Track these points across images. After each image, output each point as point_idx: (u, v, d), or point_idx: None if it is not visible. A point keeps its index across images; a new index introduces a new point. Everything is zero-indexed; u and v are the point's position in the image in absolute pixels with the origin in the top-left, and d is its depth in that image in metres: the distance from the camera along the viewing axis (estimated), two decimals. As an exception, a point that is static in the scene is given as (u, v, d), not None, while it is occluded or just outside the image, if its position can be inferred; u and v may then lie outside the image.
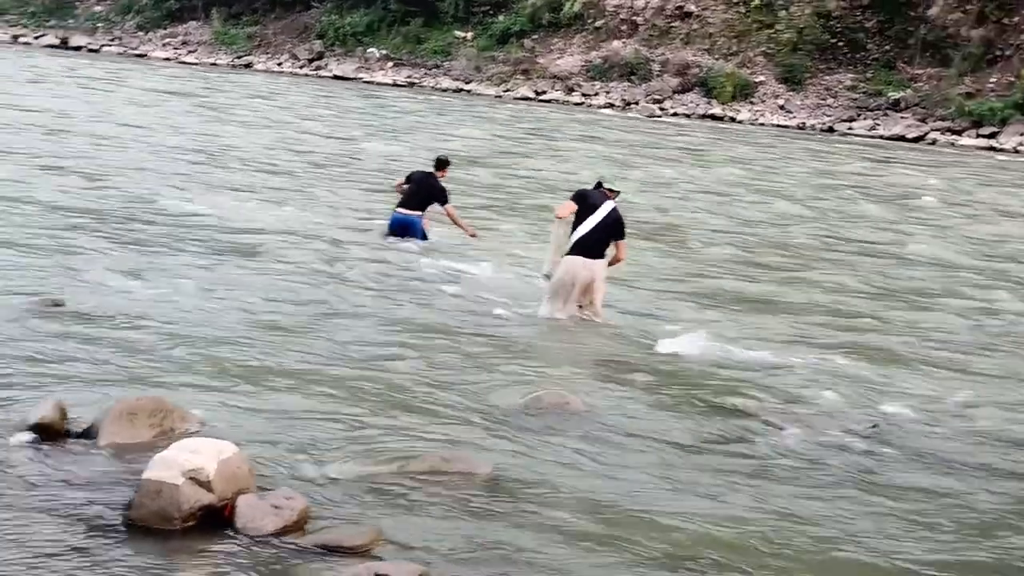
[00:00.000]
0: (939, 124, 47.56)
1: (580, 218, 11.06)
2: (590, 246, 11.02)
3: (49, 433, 6.58)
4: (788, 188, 25.49)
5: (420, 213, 14.76)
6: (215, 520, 5.61)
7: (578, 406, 8.14)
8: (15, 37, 67.97)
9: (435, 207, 14.84)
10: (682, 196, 22.83)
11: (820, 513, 6.60)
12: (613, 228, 11.10)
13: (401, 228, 14.71)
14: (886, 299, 13.91)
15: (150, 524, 5.54)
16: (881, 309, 13.19)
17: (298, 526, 5.64)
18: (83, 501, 5.81)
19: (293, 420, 7.32)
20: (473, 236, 14.75)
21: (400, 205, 14.86)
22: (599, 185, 11.39)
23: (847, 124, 49.00)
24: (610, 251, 11.27)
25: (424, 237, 14.70)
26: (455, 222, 14.85)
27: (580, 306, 11.06)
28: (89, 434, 6.68)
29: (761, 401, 8.81)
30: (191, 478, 5.61)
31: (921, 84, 50.73)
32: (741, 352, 10.41)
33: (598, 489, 6.67)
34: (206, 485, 5.64)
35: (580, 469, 7.00)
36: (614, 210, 11.14)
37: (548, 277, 11.25)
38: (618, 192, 11.48)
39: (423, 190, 14.76)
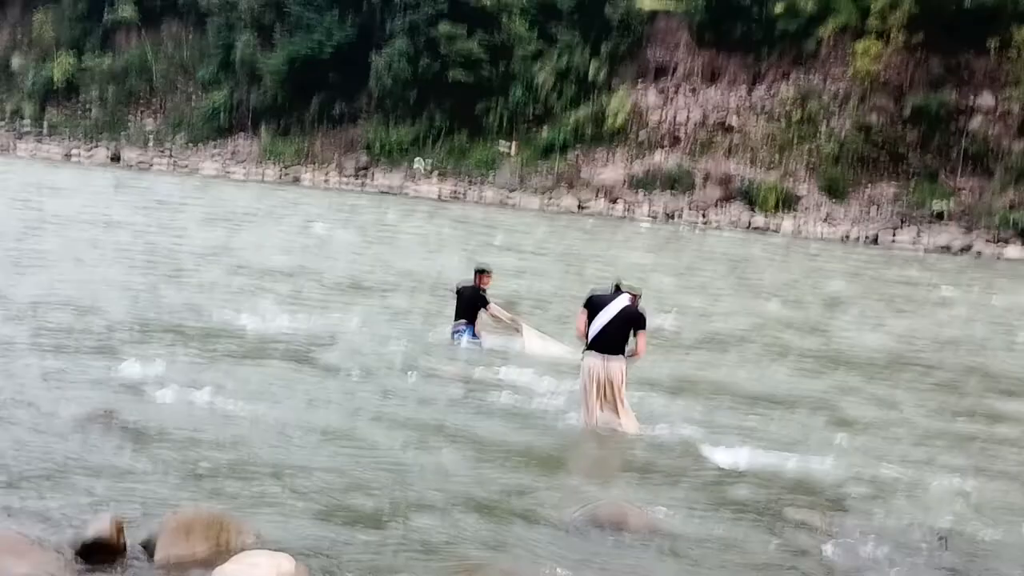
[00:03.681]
0: (984, 234, 47.41)
1: (591, 318, 11.10)
2: (604, 342, 11.02)
3: (106, 549, 6.51)
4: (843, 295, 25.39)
5: (465, 321, 15.42)
6: (275, 636, 5.51)
7: (637, 519, 8.00)
8: (67, 154, 69.48)
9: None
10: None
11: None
12: (630, 322, 11.06)
13: (456, 336, 15.41)
14: (942, 407, 13.65)
15: (210, 641, 5.46)
16: (935, 416, 12.97)
17: (358, 642, 5.53)
18: (141, 617, 5.73)
19: (350, 529, 7.24)
20: (515, 324, 15.43)
21: (456, 317, 15.57)
22: (617, 287, 11.39)
23: (891, 235, 48.96)
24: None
25: (469, 339, 15.32)
26: (497, 318, 15.49)
27: (607, 404, 10.97)
28: (146, 549, 6.63)
29: (822, 512, 8.64)
30: (251, 593, 5.54)
31: (964, 195, 50.67)
32: (793, 459, 10.26)
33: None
34: (266, 600, 5.56)
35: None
36: (628, 305, 11.10)
37: None
38: (638, 293, 11.44)
39: (469, 301, 15.46)
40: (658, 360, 14.56)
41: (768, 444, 10.81)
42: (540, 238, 36.50)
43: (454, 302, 15.74)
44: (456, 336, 15.41)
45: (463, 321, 15.43)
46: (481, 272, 15.69)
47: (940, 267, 37.37)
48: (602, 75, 60.55)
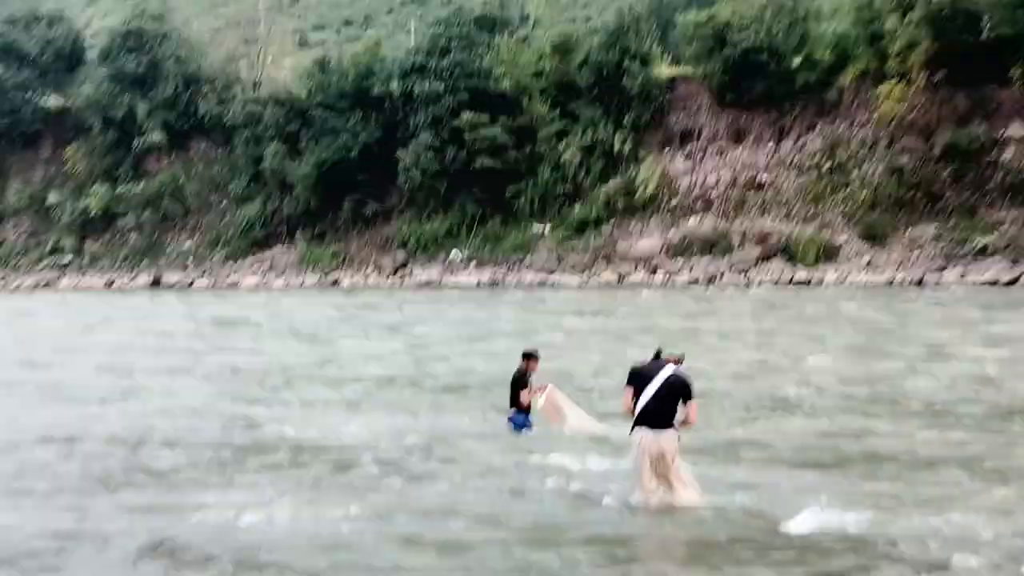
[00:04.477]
0: (1031, 264, 46.83)
1: (638, 392, 10.83)
2: (653, 416, 10.71)
3: None
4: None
5: (513, 410, 15.27)
6: None
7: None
8: (109, 283, 70.44)
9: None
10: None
11: None
12: (677, 392, 10.76)
13: (511, 422, 15.31)
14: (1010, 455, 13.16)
15: None
16: (1005, 466, 12.48)
17: None
18: None
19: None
20: (540, 391, 15.14)
21: (510, 404, 15.42)
22: (658, 355, 11.12)
23: (937, 275, 48.35)
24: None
25: (523, 427, 15.13)
26: (538, 402, 15.17)
27: (662, 478, 10.68)
28: None
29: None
30: None
31: (1006, 227, 50.08)
32: (863, 520, 9.88)
33: None
34: None
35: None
36: (674, 374, 10.80)
37: None
38: (681, 358, 11.18)
39: (514, 386, 15.33)
40: (721, 424, 14.30)
41: (833, 505, 10.41)
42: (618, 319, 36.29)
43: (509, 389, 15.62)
44: (511, 424, 15.25)
45: (514, 409, 15.28)
46: (527, 357, 15.51)
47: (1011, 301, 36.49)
48: (628, 146, 60.84)
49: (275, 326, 35.20)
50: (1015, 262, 47.44)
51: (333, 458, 13.52)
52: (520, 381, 15.24)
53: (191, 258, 72.89)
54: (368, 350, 26.80)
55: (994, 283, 45.36)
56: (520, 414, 15.21)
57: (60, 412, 17.69)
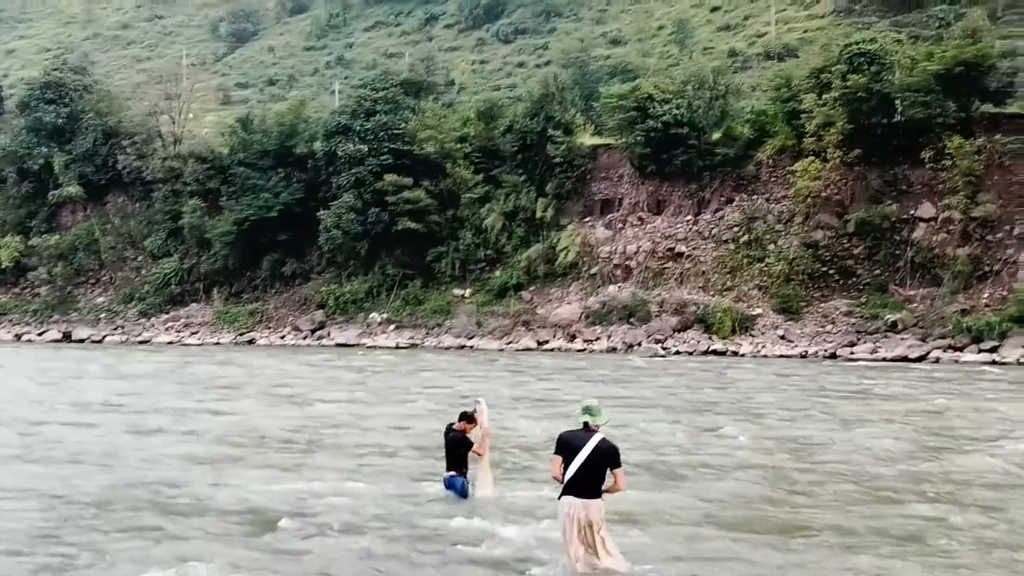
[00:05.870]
0: (940, 342, 47.60)
1: (567, 461, 10.88)
2: (581, 485, 10.78)
3: None
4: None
5: (455, 473, 15.15)
6: None
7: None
8: (18, 336, 69.10)
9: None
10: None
11: None
12: (605, 460, 10.83)
13: (448, 486, 15.17)
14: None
15: None
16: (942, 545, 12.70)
17: None
18: None
19: None
20: (487, 436, 15.21)
21: (447, 467, 15.34)
22: (586, 425, 11.20)
23: (849, 349, 49.11)
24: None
25: (463, 494, 14.94)
26: (479, 454, 15.20)
27: (588, 547, 10.75)
28: None
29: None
30: None
31: (916, 304, 51.18)
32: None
33: None
34: None
35: None
36: (602, 442, 10.86)
37: None
38: (604, 423, 11.20)
39: (454, 447, 15.24)
40: (649, 494, 14.40)
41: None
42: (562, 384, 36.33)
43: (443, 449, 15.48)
44: (449, 487, 15.16)
45: (452, 472, 15.19)
46: (466, 418, 15.41)
47: (928, 377, 37.21)
48: (550, 213, 61.45)
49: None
50: (923, 339, 48.39)
51: (251, 521, 13.36)
52: (466, 443, 15.18)
53: (104, 313, 71.74)
54: (292, 412, 26.56)
55: (904, 359, 46.13)
56: (458, 477, 15.14)
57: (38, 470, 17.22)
